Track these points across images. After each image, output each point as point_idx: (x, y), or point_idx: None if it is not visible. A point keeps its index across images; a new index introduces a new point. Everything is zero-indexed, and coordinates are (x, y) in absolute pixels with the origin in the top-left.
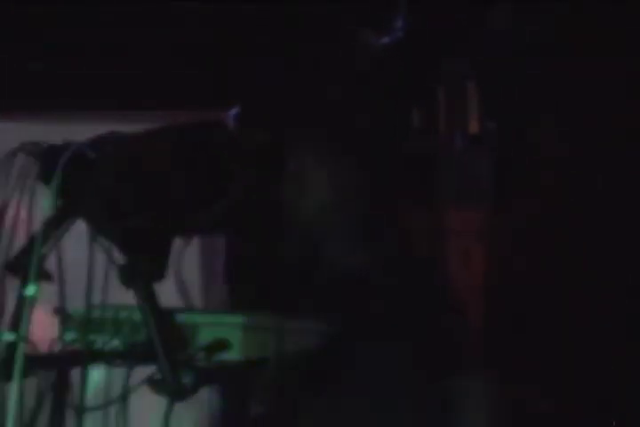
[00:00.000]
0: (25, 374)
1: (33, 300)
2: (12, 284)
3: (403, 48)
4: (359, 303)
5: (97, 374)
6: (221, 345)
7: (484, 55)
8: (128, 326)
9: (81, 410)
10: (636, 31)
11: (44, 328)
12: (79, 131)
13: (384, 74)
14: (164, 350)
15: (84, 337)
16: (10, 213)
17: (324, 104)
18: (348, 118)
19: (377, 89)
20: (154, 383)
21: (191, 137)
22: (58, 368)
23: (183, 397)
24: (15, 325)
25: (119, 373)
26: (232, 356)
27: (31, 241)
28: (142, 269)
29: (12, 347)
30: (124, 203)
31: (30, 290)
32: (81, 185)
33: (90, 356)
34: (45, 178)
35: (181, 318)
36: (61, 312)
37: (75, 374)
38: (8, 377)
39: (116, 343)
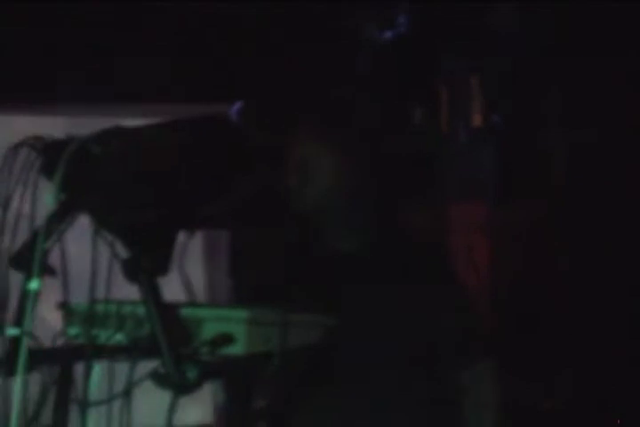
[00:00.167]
0: (28, 368)
1: (36, 294)
2: (15, 278)
3: (405, 43)
4: (361, 298)
5: (100, 369)
6: (225, 339)
7: (487, 51)
8: (132, 320)
9: (84, 404)
10: (635, 31)
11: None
12: (83, 124)
13: (386, 69)
14: (168, 345)
15: (87, 332)
16: (13, 207)
17: (327, 98)
18: (350, 113)
19: (379, 84)
20: (158, 378)
21: (197, 131)
22: (61, 363)
23: (187, 391)
24: (19, 319)
25: (123, 367)
26: (236, 350)
27: (34, 236)
28: (146, 263)
29: (15, 342)
30: (128, 197)
31: (34, 285)
32: (84, 179)
33: (93, 350)
34: (49, 172)
35: (185, 312)
36: (65, 307)
37: (78, 368)
38: (12, 372)
39: (119, 338)
